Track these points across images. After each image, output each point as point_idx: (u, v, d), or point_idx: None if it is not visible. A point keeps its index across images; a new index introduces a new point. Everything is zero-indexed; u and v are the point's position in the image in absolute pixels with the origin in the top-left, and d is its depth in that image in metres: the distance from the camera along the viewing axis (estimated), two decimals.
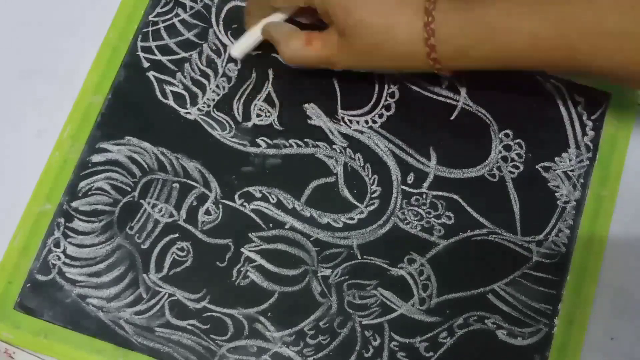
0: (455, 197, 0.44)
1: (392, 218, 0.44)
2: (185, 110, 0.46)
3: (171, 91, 0.46)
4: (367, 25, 0.39)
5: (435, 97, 0.46)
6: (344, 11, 0.39)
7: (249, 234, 0.43)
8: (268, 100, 0.46)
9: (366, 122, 0.45)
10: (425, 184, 0.44)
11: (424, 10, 0.38)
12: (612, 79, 0.40)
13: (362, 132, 0.45)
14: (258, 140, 0.45)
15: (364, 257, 0.43)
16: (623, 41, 0.35)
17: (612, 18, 0.35)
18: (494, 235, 0.44)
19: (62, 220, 0.44)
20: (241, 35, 0.45)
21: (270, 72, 0.46)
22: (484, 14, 0.37)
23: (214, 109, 0.46)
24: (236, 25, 0.47)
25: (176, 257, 0.43)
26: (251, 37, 0.44)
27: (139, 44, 0.46)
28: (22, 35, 0.47)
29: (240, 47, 0.45)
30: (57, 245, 0.43)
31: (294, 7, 0.42)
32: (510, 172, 0.45)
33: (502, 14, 0.37)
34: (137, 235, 0.43)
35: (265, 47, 0.46)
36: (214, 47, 0.46)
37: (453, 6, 0.38)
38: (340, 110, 0.46)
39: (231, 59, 0.46)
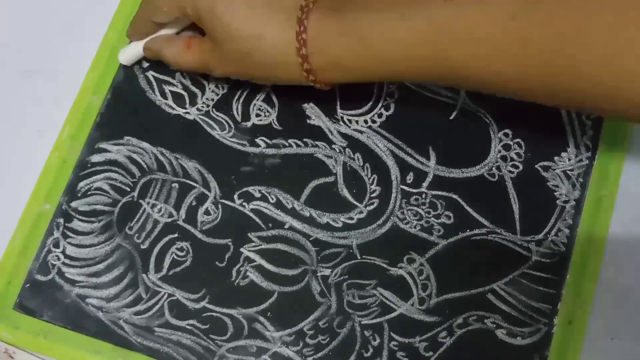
0: (454, 196, 0.44)
1: (392, 218, 0.44)
2: (185, 110, 0.46)
3: (170, 91, 0.46)
4: (236, 33, 0.38)
5: (434, 96, 0.46)
6: (214, 18, 0.38)
7: (249, 234, 0.43)
8: (267, 100, 0.46)
9: (365, 121, 0.45)
10: (425, 184, 0.44)
11: (297, 19, 0.37)
12: (497, 90, 0.36)
13: (361, 132, 0.45)
14: (257, 140, 0.45)
15: (364, 256, 0.43)
16: (493, 46, 0.33)
17: (483, 26, 0.33)
18: (493, 235, 0.44)
19: (61, 220, 0.44)
20: (129, 45, 0.45)
21: None
22: (357, 23, 0.36)
23: (213, 109, 0.46)
24: None
25: (175, 257, 0.43)
26: (137, 48, 0.44)
27: None
28: (21, 35, 0.47)
29: (126, 56, 0.45)
30: (56, 245, 0.43)
31: (175, 20, 0.42)
32: (510, 171, 0.45)
33: (374, 23, 0.35)
34: (137, 235, 0.43)
35: None
36: None
37: (325, 15, 0.37)
38: (339, 110, 0.46)
39: None
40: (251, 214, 0.44)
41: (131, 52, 0.45)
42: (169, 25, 0.43)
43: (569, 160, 0.45)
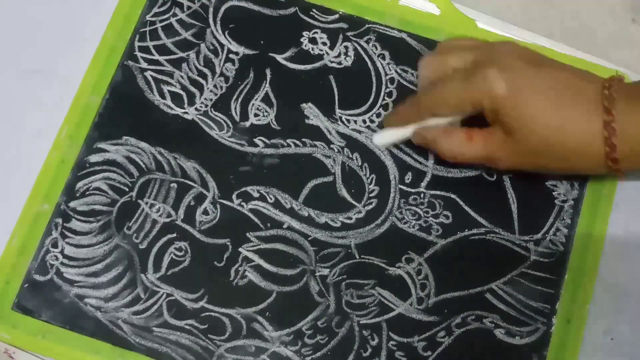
0: (452, 196, 0.44)
1: (390, 217, 0.44)
2: (183, 110, 0.46)
3: (169, 91, 0.46)
4: (539, 124, 0.37)
5: None
6: (515, 109, 0.37)
7: (247, 234, 0.43)
8: (266, 99, 0.46)
9: (364, 121, 0.45)
10: (423, 184, 0.44)
11: (603, 108, 0.36)
12: None
13: (359, 132, 0.45)
14: (256, 140, 0.45)
15: (362, 256, 0.43)
16: None
17: None
18: (491, 235, 0.44)
19: (59, 220, 0.44)
20: (386, 128, 0.44)
21: (268, 71, 0.46)
22: None
23: (212, 109, 0.46)
24: (233, 24, 0.47)
25: (174, 257, 0.43)
26: (399, 134, 0.43)
27: (137, 43, 0.46)
28: (19, 35, 0.47)
29: (385, 139, 0.44)
30: (55, 245, 0.43)
31: (458, 116, 0.40)
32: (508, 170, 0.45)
33: None
34: (135, 235, 0.43)
35: (263, 46, 0.46)
36: (211, 47, 0.46)
37: (633, 100, 0.36)
38: (337, 110, 0.46)
39: (229, 59, 0.46)
40: (250, 214, 0.44)
41: (390, 137, 0.44)
42: (438, 119, 0.41)
43: None
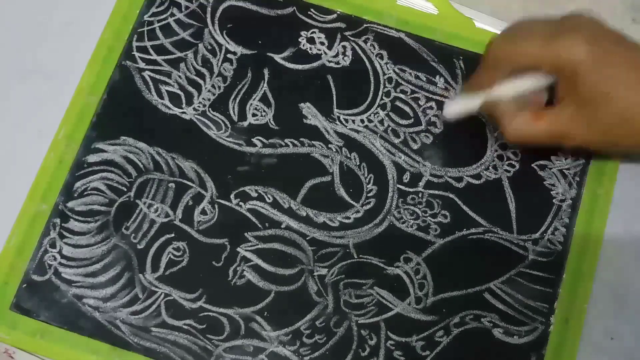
0: (451, 195, 0.44)
1: (388, 217, 0.44)
2: (181, 110, 0.46)
3: (167, 91, 0.46)
4: (618, 97, 0.36)
5: (431, 95, 0.46)
6: (596, 78, 0.36)
7: (245, 234, 0.43)
8: (264, 99, 0.46)
9: (362, 121, 0.45)
10: (421, 183, 0.44)
11: None
12: None
13: (357, 132, 0.45)
14: (254, 140, 0.45)
15: (360, 256, 0.43)
16: None
17: None
18: (489, 234, 0.44)
19: (57, 220, 0.44)
20: (457, 97, 0.43)
21: (266, 71, 0.46)
22: None
23: (210, 109, 0.46)
24: (231, 24, 0.47)
25: (172, 257, 0.43)
26: (468, 103, 0.42)
27: (134, 43, 0.46)
28: (17, 35, 0.47)
29: (454, 109, 0.42)
30: (53, 245, 0.43)
31: (530, 83, 0.39)
32: (506, 170, 0.45)
33: None
34: (133, 235, 0.43)
35: (261, 46, 0.46)
36: (209, 47, 0.46)
37: None
38: (335, 110, 0.46)
39: (227, 59, 0.46)
40: (248, 214, 0.44)
41: (460, 106, 0.42)
42: (509, 84, 0.39)
43: (565, 159, 0.45)
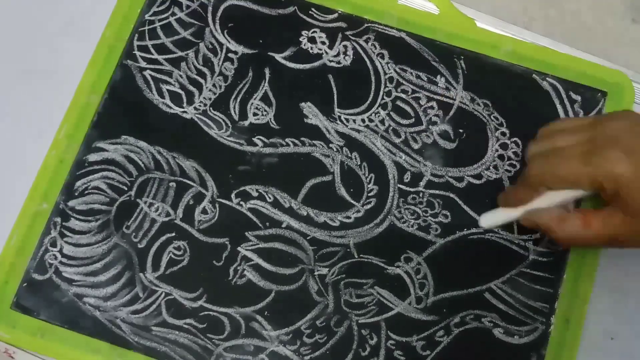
0: (451, 195, 0.44)
1: (389, 217, 0.44)
2: (182, 109, 0.46)
3: (168, 90, 0.46)
4: None
5: (431, 95, 0.46)
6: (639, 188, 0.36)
7: (246, 233, 0.43)
8: (265, 99, 0.46)
9: (363, 120, 0.45)
10: (422, 183, 0.44)
11: None
12: None
13: (358, 131, 0.45)
14: (255, 139, 0.45)
15: (361, 255, 0.43)
16: None
17: None
18: (490, 234, 0.44)
19: (58, 219, 0.44)
20: (495, 209, 0.42)
21: (267, 70, 0.46)
22: None
23: (211, 108, 0.46)
24: (232, 24, 0.47)
25: (173, 256, 0.43)
26: (507, 216, 0.41)
27: (136, 43, 0.46)
28: (17, 34, 0.47)
29: (491, 220, 0.42)
30: (53, 244, 0.43)
31: (570, 195, 0.38)
32: (507, 170, 0.45)
33: None
34: (134, 234, 0.43)
35: (262, 45, 0.46)
36: (210, 46, 0.46)
37: None
38: (336, 109, 0.46)
39: (228, 58, 0.46)
40: (248, 213, 0.44)
41: (498, 218, 0.42)
42: (548, 198, 0.39)
43: None
